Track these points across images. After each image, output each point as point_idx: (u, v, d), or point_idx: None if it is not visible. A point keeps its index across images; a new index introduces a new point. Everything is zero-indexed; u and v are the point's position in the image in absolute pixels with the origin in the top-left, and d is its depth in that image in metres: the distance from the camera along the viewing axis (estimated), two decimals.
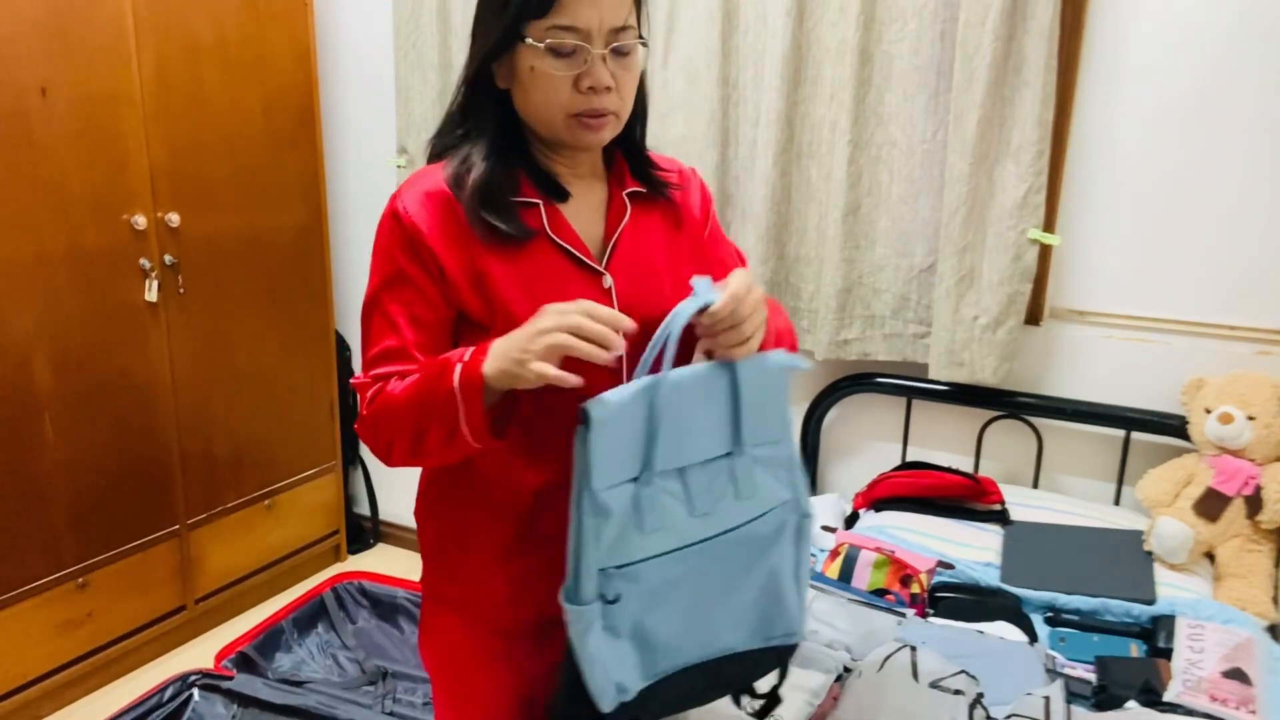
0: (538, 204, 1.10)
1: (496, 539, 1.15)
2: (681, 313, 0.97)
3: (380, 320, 1.09)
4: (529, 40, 1.03)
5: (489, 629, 1.20)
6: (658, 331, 0.98)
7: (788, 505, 1.10)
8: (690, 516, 1.03)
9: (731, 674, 1.13)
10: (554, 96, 1.05)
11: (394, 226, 1.07)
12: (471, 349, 1.00)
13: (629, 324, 0.96)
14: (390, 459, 1.09)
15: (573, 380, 0.93)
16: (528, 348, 0.94)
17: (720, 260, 1.26)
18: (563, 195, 1.12)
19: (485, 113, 1.11)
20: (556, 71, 1.03)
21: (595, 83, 1.04)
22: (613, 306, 1.06)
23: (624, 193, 1.17)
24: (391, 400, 1.04)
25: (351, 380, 1.13)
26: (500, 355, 0.97)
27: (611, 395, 0.96)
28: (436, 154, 1.14)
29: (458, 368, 0.98)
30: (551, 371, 0.92)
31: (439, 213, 1.07)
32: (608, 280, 1.11)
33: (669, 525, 1.02)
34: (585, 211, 1.14)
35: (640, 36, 1.10)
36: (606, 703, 1.02)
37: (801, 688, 1.39)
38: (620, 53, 1.05)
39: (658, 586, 1.02)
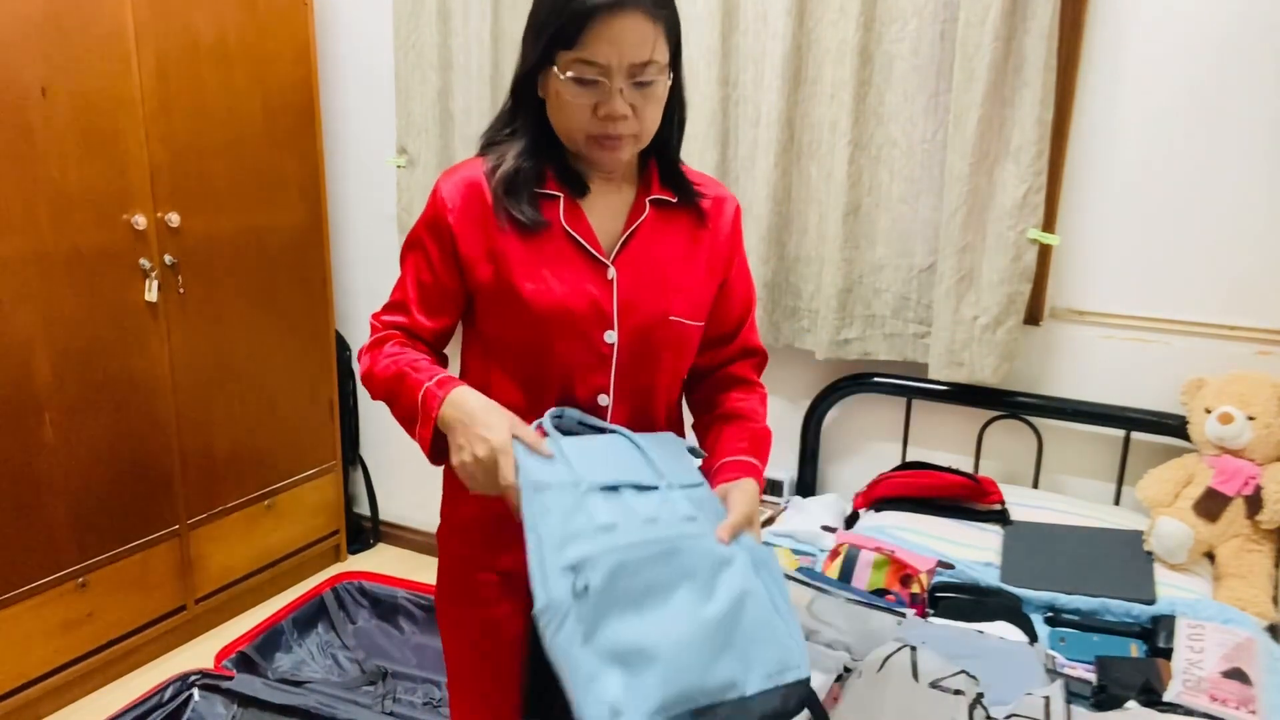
0: (559, 197, 1.20)
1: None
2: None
3: (400, 275, 1.26)
4: (556, 69, 1.12)
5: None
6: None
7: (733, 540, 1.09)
8: (637, 520, 1.05)
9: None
10: (574, 119, 1.14)
11: (430, 202, 1.21)
12: (440, 376, 1.15)
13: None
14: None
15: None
16: (467, 446, 1.08)
17: (724, 302, 1.32)
18: (583, 190, 1.21)
19: (527, 117, 1.21)
20: (577, 99, 1.12)
21: (611, 112, 1.12)
22: (613, 297, 1.19)
23: (648, 198, 1.24)
24: (378, 372, 1.21)
25: (371, 315, 1.29)
26: (454, 409, 1.11)
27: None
28: (484, 147, 1.25)
29: (423, 388, 1.14)
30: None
31: (468, 197, 1.19)
32: (611, 272, 1.20)
33: (618, 520, 1.04)
34: (608, 210, 1.23)
35: (673, 66, 1.16)
36: None
37: None
38: (640, 84, 1.12)
39: (621, 584, 0.99)
